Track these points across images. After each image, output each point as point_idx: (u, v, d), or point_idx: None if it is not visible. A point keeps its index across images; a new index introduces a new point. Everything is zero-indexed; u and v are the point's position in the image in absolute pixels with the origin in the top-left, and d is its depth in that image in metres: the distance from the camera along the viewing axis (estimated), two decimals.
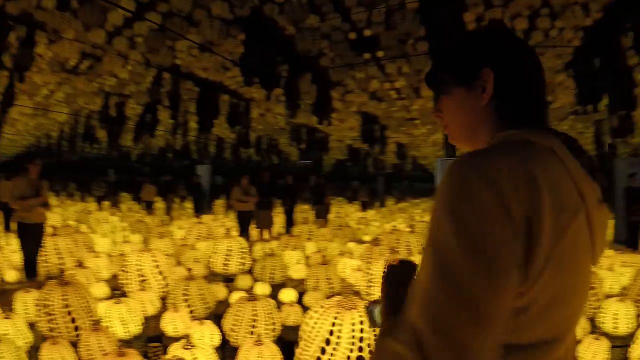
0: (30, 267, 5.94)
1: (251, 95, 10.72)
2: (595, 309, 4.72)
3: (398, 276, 1.08)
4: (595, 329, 4.30)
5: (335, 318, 2.98)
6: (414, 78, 7.98)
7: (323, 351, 2.97)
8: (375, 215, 15.98)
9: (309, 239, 8.77)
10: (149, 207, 14.00)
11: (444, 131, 1.07)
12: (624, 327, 4.45)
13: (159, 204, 15.42)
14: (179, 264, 6.33)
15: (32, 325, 4.15)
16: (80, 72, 8.76)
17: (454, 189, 0.80)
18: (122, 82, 9.41)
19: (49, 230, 6.29)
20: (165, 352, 3.17)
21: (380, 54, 6.93)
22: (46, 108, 12.08)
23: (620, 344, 4.32)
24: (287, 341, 4.41)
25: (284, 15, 5.64)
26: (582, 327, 4.28)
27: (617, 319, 4.47)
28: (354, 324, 2.95)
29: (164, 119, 12.18)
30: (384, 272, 1.11)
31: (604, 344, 3.76)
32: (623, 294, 4.72)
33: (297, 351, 3.13)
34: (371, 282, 4.65)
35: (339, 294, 4.02)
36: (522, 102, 0.95)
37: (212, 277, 6.37)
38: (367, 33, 6.16)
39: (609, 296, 5.19)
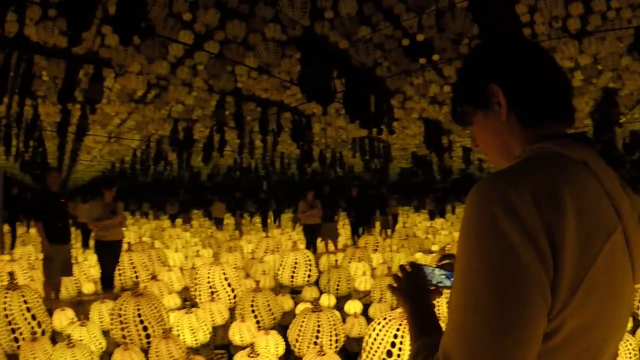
0: (106, 281, 6.39)
1: (311, 110, 10.92)
2: None
3: (412, 281, 1.10)
4: None
5: (398, 330, 2.96)
6: None
7: None
8: (444, 224, 15.60)
9: (374, 250, 8.72)
10: (219, 223, 14.56)
11: (487, 157, 1.05)
12: None
13: (229, 220, 15.99)
14: (248, 276, 6.53)
15: (105, 333, 4.48)
16: (148, 101, 9.37)
17: (474, 220, 0.77)
18: (188, 107, 9.93)
19: (124, 246, 6.74)
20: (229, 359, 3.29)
21: (435, 57, 6.86)
22: (118, 135, 12.99)
23: None
24: (351, 352, 4.42)
25: (335, 31, 5.74)
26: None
27: None
28: None
29: (230, 139, 12.69)
30: (394, 284, 1.12)
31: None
32: None
33: None
34: None
35: None
36: (540, 106, 0.91)
37: (279, 288, 6.52)
38: (420, 37, 6.12)
39: None
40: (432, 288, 1.14)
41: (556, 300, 0.74)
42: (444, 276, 1.16)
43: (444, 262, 1.19)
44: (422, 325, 1.03)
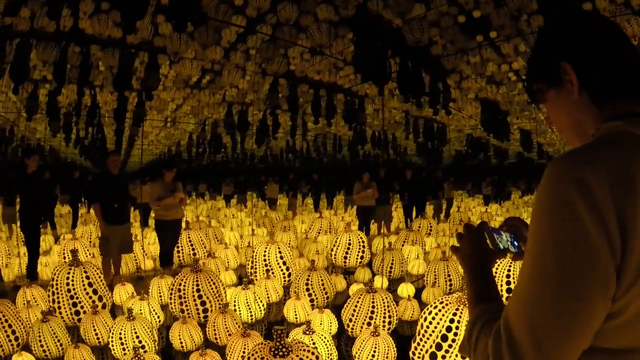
0: (165, 258, 6.68)
1: (364, 91, 10.82)
2: None
3: (475, 242, 1.09)
4: None
5: (454, 314, 2.94)
6: None
7: (439, 347, 2.95)
8: (499, 210, 15.17)
9: (428, 233, 8.63)
10: (273, 204, 14.84)
11: (560, 137, 1.05)
12: None
13: (282, 201, 16.25)
14: (302, 255, 6.65)
15: (164, 308, 4.70)
16: (202, 86, 9.59)
17: (549, 198, 0.79)
18: (242, 91, 10.09)
19: (182, 225, 7.02)
20: (287, 336, 3.39)
21: (493, 34, 6.58)
22: (174, 120, 13.40)
23: None
24: (402, 335, 4.43)
25: (388, 9, 5.62)
26: None
27: None
28: None
29: (283, 121, 12.82)
30: (458, 246, 1.12)
31: None
32: None
33: (413, 345, 3.14)
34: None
35: (458, 291, 3.93)
36: (612, 84, 0.89)
37: (332, 268, 6.60)
38: (477, 14, 5.88)
39: None
40: (497, 251, 1.12)
41: (622, 281, 0.75)
42: (509, 242, 1.14)
43: (509, 224, 1.17)
44: (482, 289, 1.02)
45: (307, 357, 2.48)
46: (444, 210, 13.86)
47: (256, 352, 2.51)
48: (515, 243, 1.14)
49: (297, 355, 2.44)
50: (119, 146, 13.46)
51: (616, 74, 0.90)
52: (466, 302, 2.94)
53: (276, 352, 2.45)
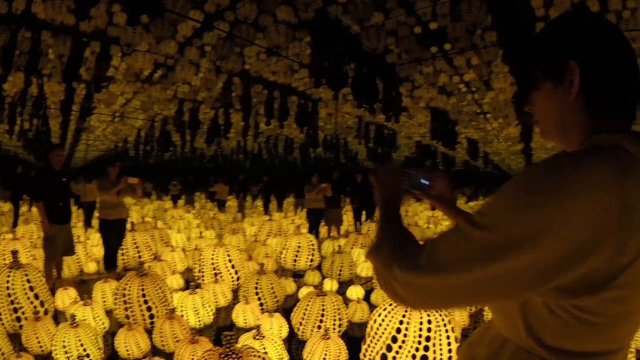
0: (109, 260, 6.40)
1: (319, 95, 10.85)
2: None
3: (394, 176, 1.23)
4: None
5: (403, 316, 2.98)
6: (484, 70, 7.72)
7: (389, 348, 2.98)
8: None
9: None
10: (222, 205, 14.58)
11: (535, 125, 1.04)
12: None
13: (231, 202, 16.00)
14: (250, 258, 6.56)
15: (108, 313, 4.50)
16: (154, 81, 9.30)
17: (543, 185, 0.78)
18: (194, 88, 9.87)
19: (127, 226, 6.74)
20: (236, 341, 3.32)
21: (447, 46, 6.78)
22: (123, 115, 12.92)
23: None
24: (353, 337, 4.45)
25: (348, 15, 5.67)
26: None
27: None
28: (421, 323, 2.93)
29: (235, 121, 12.63)
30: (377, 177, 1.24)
31: None
32: None
33: (363, 347, 3.16)
34: None
35: None
36: (612, 97, 0.90)
37: (281, 272, 6.55)
38: (433, 26, 6.04)
39: None
40: (409, 190, 1.31)
41: (598, 286, 0.80)
42: (425, 183, 1.35)
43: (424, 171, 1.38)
44: (395, 215, 1.13)
45: None
46: None
47: (205, 359, 2.43)
48: (426, 182, 1.36)
49: None
50: (63, 140, 12.80)
51: (618, 89, 0.90)
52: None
53: (226, 358, 2.39)
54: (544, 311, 0.86)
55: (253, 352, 2.50)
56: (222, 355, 2.41)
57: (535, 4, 5.08)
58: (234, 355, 2.40)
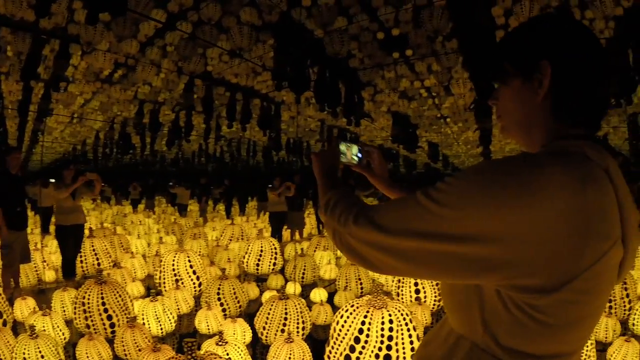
0: (68, 268, 6.17)
1: (281, 98, 10.84)
2: (627, 310, 4.58)
3: (329, 155, 1.30)
4: (626, 331, 4.16)
5: (365, 317, 3.00)
6: (444, 76, 7.91)
7: (352, 349, 2.99)
8: None
9: None
10: (183, 210, 14.31)
11: (497, 121, 1.03)
12: None
13: (193, 207, 15.73)
14: (212, 263, 6.46)
15: (69, 323, 4.34)
16: (114, 80, 9.06)
17: (504, 183, 0.77)
18: (155, 89, 9.67)
19: (85, 232, 6.52)
20: (199, 348, 3.26)
21: (409, 52, 6.91)
22: (81, 116, 12.51)
23: None
24: (317, 339, 4.46)
25: (312, 19, 5.69)
26: (612, 328, 4.17)
27: None
28: (383, 323, 2.96)
29: (196, 123, 12.44)
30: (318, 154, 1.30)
31: (635, 346, 3.65)
32: None
33: (327, 349, 3.16)
34: (401, 282, 4.64)
35: (368, 294, 4.03)
36: (580, 104, 0.89)
37: (244, 276, 6.49)
38: (395, 32, 6.15)
39: None
40: (346, 163, 1.38)
41: (552, 288, 0.79)
42: (358, 156, 1.42)
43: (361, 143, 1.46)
44: (336, 181, 1.19)
45: None
46: None
47: None
48: (360, 155, 1.43)
49: None
50: (21, 142, 12.24)
51: (587, 96, 0.89)
52: (375, 305, 3.04)
53: None
54: (501, 308, 0.85)
55: (215, 358, 2.46)
56: None
57: (495, 12, 5.24)
58: None
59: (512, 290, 0.82)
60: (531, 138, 0.95)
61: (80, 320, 4.05)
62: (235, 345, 3.27)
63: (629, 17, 5.15)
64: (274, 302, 4.09)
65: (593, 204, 0.78)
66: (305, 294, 5.81)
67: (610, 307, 4.54)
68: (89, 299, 4.03)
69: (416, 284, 4.35)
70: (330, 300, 5.47)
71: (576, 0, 5.25)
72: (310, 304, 4.94)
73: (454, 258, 0.80)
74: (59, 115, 12.11)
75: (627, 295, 4.62)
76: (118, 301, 4.08)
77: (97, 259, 6.08)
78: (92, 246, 6.11)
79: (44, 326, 3.87)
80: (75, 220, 6.16)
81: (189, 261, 5.28)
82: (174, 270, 5.19)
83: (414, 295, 4.30)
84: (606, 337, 4.16)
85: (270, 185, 10.11)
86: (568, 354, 0.90)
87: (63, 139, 16.69)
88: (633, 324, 4.40)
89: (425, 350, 1.08)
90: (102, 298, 4.02)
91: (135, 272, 6.05)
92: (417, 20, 5.39)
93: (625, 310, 4.60)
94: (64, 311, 4.57)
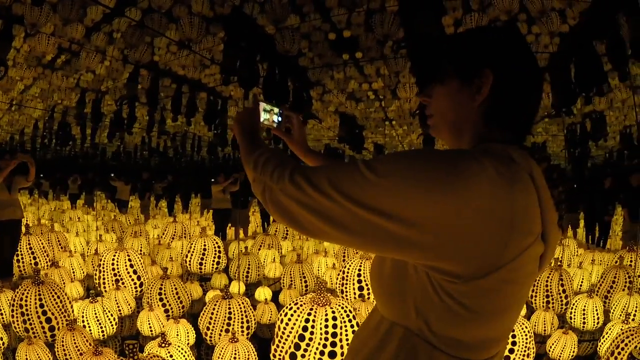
0: (4, 267, 5.74)
1: (229, 93, 10.66)
2: (564, 304, 4.88)
3: (249, 114, 1.28)
4: (564, 324, 4.45)
5: (309, 314, 3.02)
6: (392, 80, 8.07)
7: (297, 347, 3.00)
8: None
9: (284, 237, 8.78)
10: (123, 206, 13.78)
11: (427, 120, 1.04)
12: (591, 323, 4.61)
13: (134, 203, 15.18)
14: (154, 263, 6.28)
15: (8, 326, 4.07)
16: (56, 66, 8.58)
17: (438, 170, 0.79)
18: (99, 77, 9.24)
19: (22, 229, 6.12)
20: (141, 350, 3.16)
21: (358, 54, 6.99)
22: (20, 103, 11.75)
23: (587, 339, 4.49)
24: (262, 338, 4.44)
25: (264, 14, 5.64)
26: (550, 322, 4.43)
27: (586, 315, 4.63)
28: (327, 320, 2.99)
29: (140, 116, 11.99)
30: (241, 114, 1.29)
31: (572, 338, 3.90)
32: (591, 290, 4.92)
33: (272, 347, 3.15)
34: (345, 280, 4.70)
35: (312, 291, 4.06)
36: (513, 112, 0.93)
37: (187, 276, 6.34)
38: (347, 34, 6.20)
39: (577, 293, 5.38)
40: (266, 125, 1.35)
41: (479, 277, 0.82)
42: (277, 115, 1.40)
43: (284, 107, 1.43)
44: (259, 140, 1.17)
45: None
46: None
47: None
48: (280, 119, 1.41)
49: None
50: None
51: (521, 108, 0.94)
52: (319, 302, 3.07)
53: None
54: (432, 293, 0.87)
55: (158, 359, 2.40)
56: None
57: (446, 22, 5.40)
58: None
59: (434, 271, 0.85)
60: (461, 139, 0.98)
61: (18, 324, 3.81)
62: (179, 346, 3.19)
63: (574, 34, 5.45)
64: (217, 301, 4.03)
65: (518, 202, 0.81)
66: (250, 292, 5.77)
67: (548, 302, 4.83)
68: (26, 301, 3.80)
69: (359, 281, 4.41)
70: (275, 298, 5.46)
71: (524, 16, 5.50)
72: (255, 303, 4.91)
73: (383, 231, 0.80)
74: None
75: (564, 291, 4.91)
76: (57, 303, 3.88)
77: (35, 257, 5.73)
78: (29, 244, 5.75)
79: None
80: (12, 215, 5.74)
81: (129, 260, 5.09)
82: (114, 270, 4.99)
83: (358, 292, 4.37)
84: (545, 330, 4.41)
85: (213, 180, 9.89)
86: (495, 340, 0.95)
87: (0, 127, 15.58)
88: (570, 317, 4.69)
89: (358, 341, 1.06)
90: (40, 300, 3.80)
91: (74, 272, 5.77)
92: (368, 24, 5.46)
93: (562, 305, 4.89)
94: (2, 314, 4.28)
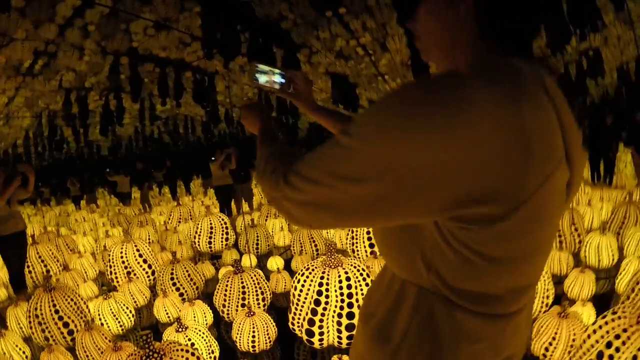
0: (17, 281, 5.72)
1: (214, 68, 10.43)
2: (578, 243, 4.84)
3: (251, 111, 1.26)
4: (579, 263, 4.41)
5: (322, 278, 2.98)
6: (379, 32, 7.83)
7: (314, 312, 2.98)
8: None
9: None
10: (126, 198, 13.75)
11: (416, 44, 0.94)
12: (606, 260, 4.57)
13: (137, 194, 15.15)
14: (164, 249, 6.27)
15: (29, 339, 4.08)
16: (36, 72, 8.38)
17: (422, 105, 0.68)
18: (80, 74, 9.05)
19: (28, 240, 6.07)
20: (159, 339, 3.15)
21: (342, 10, 6.75)
22: (7, 116, 11.58)
23: (604, 276, 4.47)
24: (279, 308, 4.44)
25: None
26: (566, 262, 4.39)
27: (600, 252, 4.58)
28: (340, 281, 2.96)
29: (128, 106, 11.80)
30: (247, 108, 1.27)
31: (590, 276, 3.86)
32: (603, 228, 4.86)
33: (290, 316, 3.14)
34: (355, 239, 4.65)
35: (323, 254, 4.03)
36: (506, 19, 0.80)
37: (198, 257, 6.35)
38: None
39: (589, 231, 5.30)
40: (268, 88, 1.31)
41: (501, 218, 0.72)
42: (282, 81, 1.33)
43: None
44: (269, 138, 1.11)
45: (183, 356, 2.31)
46: None
47: None
48: (283, 80, 1.32)
49: (171, 358, 2.25)
50: None
51: (516, 12, 0.80)
52: (331, 265, 3.03)
53: (148, 359, 2.24)
54: (443, 245, 0.78)
55: (175, 346, 2.37)
56: (144, 357, 2.26)
57: None
58: (155, 355, 2.26)
59: (454, 222, 0.74)
60: (455, 58, 0.86)
61: (37, 334, 3.81)
62: (196, 329, 3.18)
63: None
64: (229, 278, 4.00)
65: (530, 121, 0.69)
66: (262, 264, 5.76)
67: (561, 242, 4.78)
68: (41, 309, 3.78)
69: (370, 239, 4.36)
70: (288, 267, 5.46)
71: None
72: (268, 274, 4.90)
73: (390, 200, 0.72)
74: None
75: (576, 230, 4.86)
76: (71, 306, 3.86)
77: (45, 265, 5.70)
78: (38, 253, 5.71)
79: (2, 349, 3.60)
80: (14, 228, 5.64)
81: (138, 251, 5.07)
82: (123, 262, 4.97)
83: (369, 250, 4.33)
84: (560, 270, 4.38)
85: (212, 159, 9.80)
86: (524, 289, 0.86)
87: None
88: (585, 256, 4.65)
89: (370, 304, 0.99)
90: (55, 306, 3.78)
91: (86, 272, 5.76)
92: None
93: (575, 244, 4.84)
94: (21, 328, 4.28)
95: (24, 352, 3.76)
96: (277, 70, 1.31)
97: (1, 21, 5.21)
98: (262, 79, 1.29)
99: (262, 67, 1.28)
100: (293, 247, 5.73)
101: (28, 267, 5.69)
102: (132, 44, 7.55)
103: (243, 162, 9.90)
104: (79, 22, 6.56)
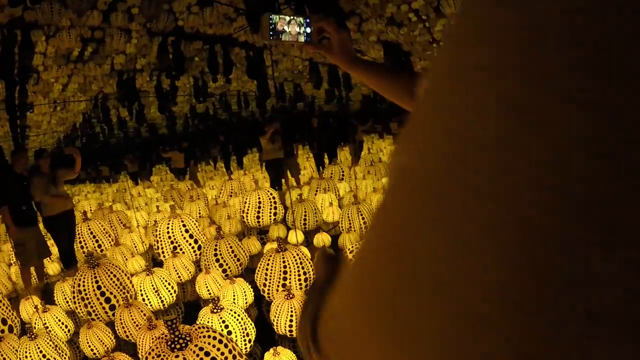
0: (66, 257, 6.07)
1: (262, 42, 10.31)
2: None
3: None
4: None
5: None
6: None
7: None
8: None
9: (340, 179, 8.58)
10: (181, 174, 14.11)
11: None
12: None
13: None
14: (213, 223, 6.31)
15: (72, 313, 4.25)
16: (86, 58, 8.62)
17: None
18: (130, 57, 9.23)
19: (78, 216, 6.34)
20: (182, 320, 3.13)
21: None
22: (64, 102, 12.11)
23: None
24: None
25: None
26: None
27: None
28: None
29: (181, 85, 11.98)
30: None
31: None
32: None
33: None
34: None
35: None
36: None
37: (247, 231, 6.35)
38: None
39: None
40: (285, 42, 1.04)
41: None
42: (302, 30, 1.06)
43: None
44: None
45: (210, 343, 2.24)
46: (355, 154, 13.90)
47: (153, 350, 2.23)
48: (309, 29, 1.07)
49: (196, 345, 2.19)
50: (16, 141, 11.98)
51: None
52: None
53: (173, 345, 2.19)
54: None
55: (203, 332, 2.31)
56: (170, 343, 2.21)
57: None
58: (181, 341, 2.20)
59: None
60: None
61: (81, 309, 3.95)
62: (232, 310, 3.13)
63: None
64: (270, 256, 3.91)
65: None
66: (309, 240, 5.67)
67: None
68: (84, 285, 3.90)
69: None
70: (334, 243, 5.32)
71: None
72: (314, 251, 4.78)
73: None
74: (40, 105, 11.71)
75: None
76: (114, 281, 3.94)
77: (97, 241, 5.92)
78: (89, 229, 5.94)
79: (46, 323, 3.75)
80: (63, 207, 5.98)
81: (184, 225, 5.12)
82: (170, 237, 5.04)
83: None
84: None
85: (264, 131, 9.77)
86: None
87: (51, 129, 16.28)
88: None
89: None
90: (97, 282, 3.88)
91: (136, 247, 5.93)
92: None
93: None
94: (67, 302, 4.47)
95: (67, 327, 3.90)
96: (300, 19, 1.06)
97: (45, 14, 5.32)
98: (282, 33, 1.03)
99: (278, 17, 1.03)
100: (341, 223, 5.59)
101: (81, 242, 5.95)
102: (177, 23, 7.55)
103: (285, 136, 9.81)
104: (121, 6, 6.61)
